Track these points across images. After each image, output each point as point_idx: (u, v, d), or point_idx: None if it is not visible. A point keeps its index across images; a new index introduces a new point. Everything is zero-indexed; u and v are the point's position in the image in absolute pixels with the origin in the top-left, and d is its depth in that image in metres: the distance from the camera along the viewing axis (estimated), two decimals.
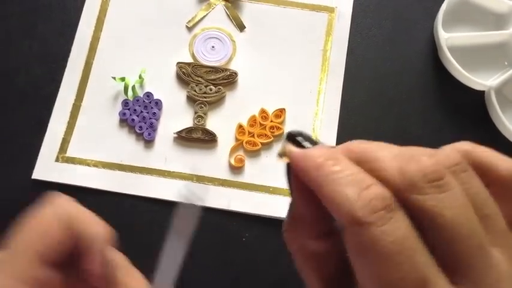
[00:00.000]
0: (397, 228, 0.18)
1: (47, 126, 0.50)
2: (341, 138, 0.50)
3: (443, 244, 0.18)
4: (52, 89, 0.51)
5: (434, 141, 0.51)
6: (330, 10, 0.55)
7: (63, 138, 0.49)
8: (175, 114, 0.51)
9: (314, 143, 0.20)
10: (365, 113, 0.52)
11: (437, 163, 0.19)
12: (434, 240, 0.18)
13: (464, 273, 0.18)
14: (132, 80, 0.51)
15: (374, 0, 0.56)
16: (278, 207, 0.47)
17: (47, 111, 0.50)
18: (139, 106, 0.51)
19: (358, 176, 0.19)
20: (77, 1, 0.54)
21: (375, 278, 0.18)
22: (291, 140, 0.20)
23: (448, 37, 0.52)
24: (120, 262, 0.27)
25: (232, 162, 0.49)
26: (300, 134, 0.20)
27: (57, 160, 0.49)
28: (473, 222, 0.19)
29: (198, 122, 0.50)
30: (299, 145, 0.20)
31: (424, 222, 0.18)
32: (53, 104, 0.51)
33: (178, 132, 0.50)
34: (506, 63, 0.53)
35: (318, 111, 0.51)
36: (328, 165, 0.19)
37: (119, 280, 0.26)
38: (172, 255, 0.26)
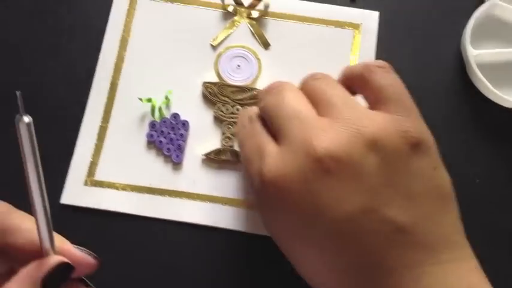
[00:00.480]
0: (253, 128, 0.38)
1: (73, 149, 0.49)
2: None
3: (271, 123, 0.37)
4: (77, 111, 0.51)
5: (462, 158, 0.50)
6: (355, 27, 0.55)
7: (91, 161, 0.49)
8: (203, 135, 0.51)
9: None
10: None
11: (280, 85, 0.41)
12: (270, 123, 0.38)
13: (283, 136, 0.35)
14: (158, 101, 0.51)
15: (400, 17, 0.56)
16: None
17: (73, 134, 0.50)
18: (167, 127, 0.50)
19: (251, 111, 0.41)
20: (101, 21, 0.54)
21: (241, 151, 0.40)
22: None
23: (476, 54, 0.51)
24: (4, 209, 0.32)
25: None
26: None
27: (85, 184, 0.48)
28: (295, 106, 0.37)
29: (226, 143, 0.50)
30: None
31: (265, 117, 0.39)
32: (79, 127, 0.50)
33: (207, 154, 0.49)
34: None
35: None
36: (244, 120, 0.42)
37: (10, 224, 0.30)
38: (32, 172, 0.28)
